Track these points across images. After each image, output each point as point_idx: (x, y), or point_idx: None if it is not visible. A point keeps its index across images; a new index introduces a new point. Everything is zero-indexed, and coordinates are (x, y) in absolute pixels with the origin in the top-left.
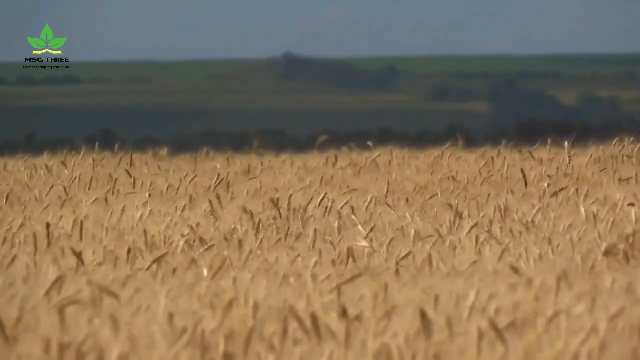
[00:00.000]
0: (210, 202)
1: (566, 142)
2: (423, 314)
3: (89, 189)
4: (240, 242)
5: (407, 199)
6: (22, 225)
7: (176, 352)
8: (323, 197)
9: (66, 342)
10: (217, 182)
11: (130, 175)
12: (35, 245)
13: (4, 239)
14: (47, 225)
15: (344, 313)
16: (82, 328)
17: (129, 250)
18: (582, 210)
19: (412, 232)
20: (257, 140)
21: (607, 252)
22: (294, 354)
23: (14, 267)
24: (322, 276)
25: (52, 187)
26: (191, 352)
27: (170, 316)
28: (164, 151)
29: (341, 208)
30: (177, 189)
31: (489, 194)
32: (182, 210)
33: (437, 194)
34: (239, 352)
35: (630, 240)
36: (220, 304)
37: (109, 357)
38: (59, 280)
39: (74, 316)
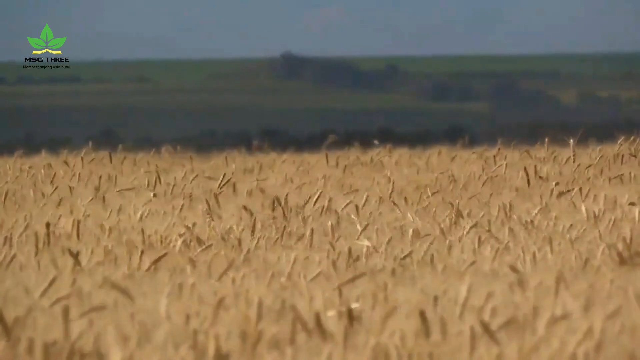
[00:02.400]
0: (207, 202)
1: (571, 141)
2: (422, 314)
3: (88, 188)
4: (239, 242)
5: (406, 199)
6: (20, 224)
7: (177, 352)
8: (321, 197)
9: (66, 342)
10: (221, 183)
11: (129, 175)
12: (36, 245)
13: (4, 239)
14: (47, 225)
15: (345, 313)
16: (82, 328)
17: (128, 251)
18: (582, 210)
19: (411, 231)
20: (257, 140)
21: (621, 262)
22: (295, 354)
23: (13, 266)
24: (321, 276)
25: (51, 187)
26: (192, 353)
27: (171, 316)
28: (163, 151)
29: (341, 208)
30: (176, 188)
31: (490, 194)
32: (181, 210)
33: (437, 193)
34: (241, 352)
35: (629, 241)
36: (221, 304)
37: (110, 358)
38: (54, 281)
39: (74, 316)
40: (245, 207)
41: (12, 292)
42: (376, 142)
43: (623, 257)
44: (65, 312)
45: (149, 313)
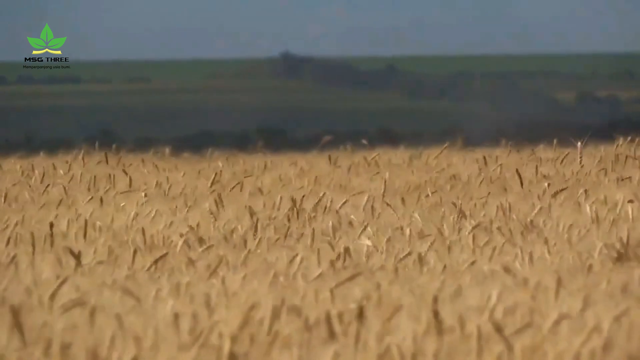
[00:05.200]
0: (212, 202)
1: (579, 143)
2: (435, 313)
3: (88, 189)
4: (245, 242)
5: (406, 198)
6: (19, 224)
7: (181, 353)
8: (322, 197)
9: (69, 343)
10: (214, 181)
11: (128, 175)
12: (33, 244)
13: (7, 240)
14: (51, 225)
15: (345, 312)
16: (83, 328)
17: (135, 251)
18: (582, 210)
19: (412, 231)
20: (257, 140)
21: (619, 259)
22: (297, 354)
23: (14, 266)
24: (321, 276)
25: (51, 187)
26: (196, 354)
27: (173, 316)
28: (163, 151)
29: (340, 207)
30: (176, 188)
31: (489, 194)
32: (181, 209)
33: (437, 193)
34: (244, 352)
35: (627, 240)
36: (221, 304)
37: (111, 358)
38: (62, 282)
39: (76, 316)
40: (246, 208)
41: (14, 292)
42: (365, 142)
43: (622, 257)
44: (69, 312)
45: (149, 313)
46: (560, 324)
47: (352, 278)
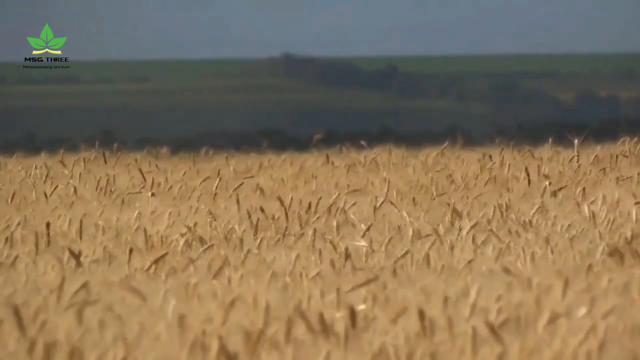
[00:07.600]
0: (211, 201)
1: (576, 141)
2: (421, 314)
3: (87, 188)
4: (241, 241)
5: (406, 199)
6: (19, 224)
7: (180, 352)
8: (320, 197)
9: (69, 341)
10: (217, 182)
11: (129, 175)
12: (36, 245)
13: (5, 239)
14: (47, 225)
15: (349, 313)
16: (84, 328)
17: (131, 250)
18: (582, 209)
19: (411, 231)
20: (257, 140)
21: (612, 253)
22: (299, 354)
23: (15, 267)
24: (321, 276)
25: (51, 187)
26: (195, 352)
27: (173, 316)
28: (163, 151)
29: (342, 208)
30: (176, 188)
31: (489, 194)
32: (181, 209)
33: (437, 193)
34: (244, 352)
35: (629, 240)
36: (221, 304)
37: (112, 357)
38: (62, 282)
39: (70, 315)
40: (244, 208)
41: (13, 292)
42: (364, 143)
43: (622, 256)
44: (69, 312)
45: (151, 313)
46: (560, 324)
47: (366, 284)
